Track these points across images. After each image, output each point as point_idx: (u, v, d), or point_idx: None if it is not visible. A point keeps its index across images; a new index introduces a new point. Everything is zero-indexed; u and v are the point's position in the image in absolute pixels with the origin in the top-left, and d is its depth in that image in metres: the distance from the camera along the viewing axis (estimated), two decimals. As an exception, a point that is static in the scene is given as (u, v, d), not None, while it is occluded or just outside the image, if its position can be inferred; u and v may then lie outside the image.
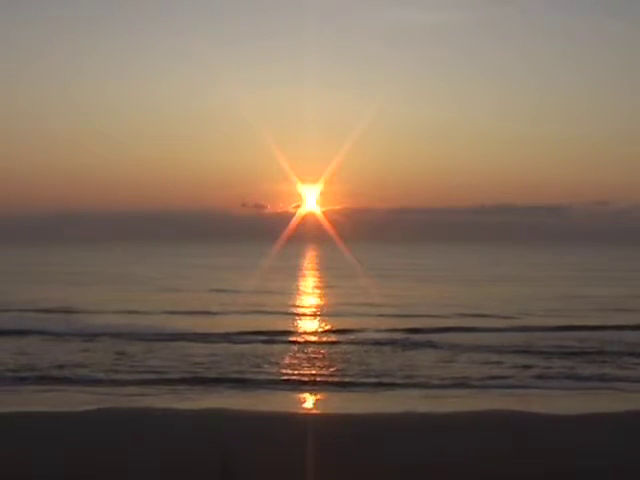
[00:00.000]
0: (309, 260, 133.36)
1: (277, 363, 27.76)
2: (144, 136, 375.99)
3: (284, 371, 26.32)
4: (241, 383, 24.03)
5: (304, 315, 44.89)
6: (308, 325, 40.14)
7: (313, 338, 35.37)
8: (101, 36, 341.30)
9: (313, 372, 26.30)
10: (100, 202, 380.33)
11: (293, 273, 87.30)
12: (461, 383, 24.21)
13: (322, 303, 53.07)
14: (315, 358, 29.08)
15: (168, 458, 14.01)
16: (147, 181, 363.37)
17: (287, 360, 28.53)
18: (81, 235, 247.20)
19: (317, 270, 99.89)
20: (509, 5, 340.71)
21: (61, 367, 26.20)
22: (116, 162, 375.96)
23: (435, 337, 34.05)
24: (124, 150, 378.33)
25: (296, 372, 26.20)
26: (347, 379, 24.88)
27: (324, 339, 34.80)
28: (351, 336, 34.68)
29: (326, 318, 42.65)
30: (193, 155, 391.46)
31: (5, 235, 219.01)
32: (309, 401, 22.60)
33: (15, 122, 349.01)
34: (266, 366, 27.05)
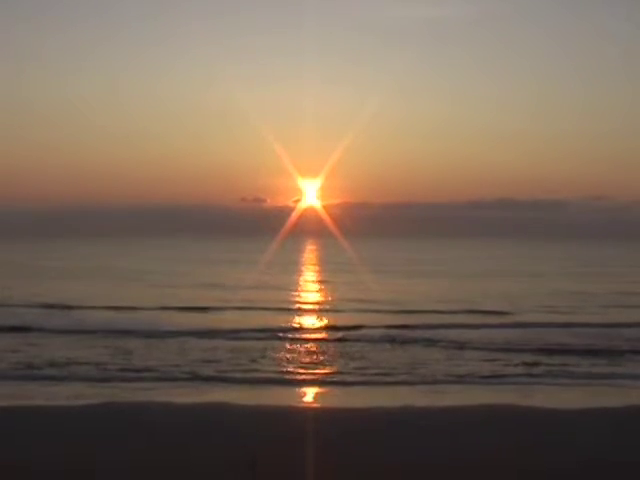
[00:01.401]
0: (308, 255, 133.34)
1: (277, 359, 27.76)
2: (143, 131, 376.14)
3: (284, 367, 26.32)
4: (241, 378, 24.02)
5: (303, 311, 44.88)
6: (307, 321, 40.12)
7: (313, 334, 35.36)
8: (101, 32, 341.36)
9: (313, 367, 26.30)
10: (99, 197, 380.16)
11: (292, 268, 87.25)
12: (460, 378, 24.20)
13: (321, 299, 53.07)
14: (314, 354, 29.08)
15: (169, 453, 13.99)
16: (146, 176, 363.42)
17: (287, 356, 28.53)
18: (81, 230, 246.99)
19: (316, 265, 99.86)
20: (507, 1, 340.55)
21: (60, 363, 26.19)
22: (115, 157, 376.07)
23: (434, 333, 34.04)
24: (123, 145, 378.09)
25: (296, 368, 26.20)
26: (346, 374, 24.88)
27: (323, 335, 34.80)
28: (350, 332, 34.65)
29: (325, 314, 42.65)
30: (192, 149, 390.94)
31: (8, 230, 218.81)
32: (309, 396, 22.62)
33: (18, 119, 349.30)
34: (266, 362, 27.04)
